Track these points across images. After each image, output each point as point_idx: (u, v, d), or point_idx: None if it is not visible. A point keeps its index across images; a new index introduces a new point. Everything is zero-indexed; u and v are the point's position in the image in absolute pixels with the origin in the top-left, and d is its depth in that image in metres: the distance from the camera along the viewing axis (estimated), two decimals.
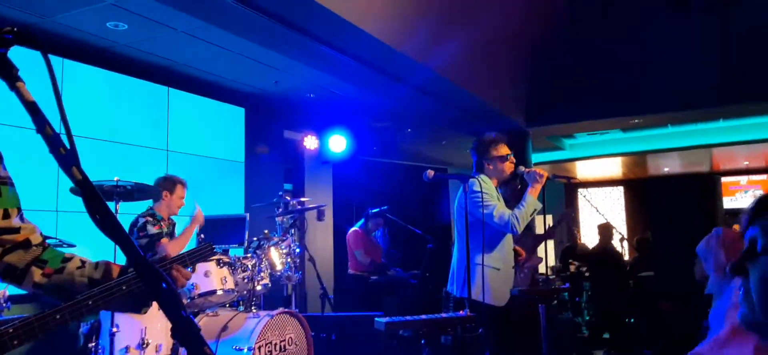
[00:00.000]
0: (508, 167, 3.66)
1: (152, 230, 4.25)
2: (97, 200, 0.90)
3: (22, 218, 1.39)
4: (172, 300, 0.88)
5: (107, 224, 0.89)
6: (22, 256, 1.38)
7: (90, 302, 1.26)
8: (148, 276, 0.89)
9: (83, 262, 1.44)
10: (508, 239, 3.65)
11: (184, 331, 0.85)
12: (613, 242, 7.57)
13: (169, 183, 4.43)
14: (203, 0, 3.90)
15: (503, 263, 3.60)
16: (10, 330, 1.10)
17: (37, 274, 1.38)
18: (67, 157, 0.93)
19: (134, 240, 4.25)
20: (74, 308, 1.24)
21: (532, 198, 3.49)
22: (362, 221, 6.80)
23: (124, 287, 1.30)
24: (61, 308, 1.21)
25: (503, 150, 3.66)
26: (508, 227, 3.42)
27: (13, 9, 4.45)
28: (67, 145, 0.94)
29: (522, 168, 3.66)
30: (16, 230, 1.37)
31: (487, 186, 3.53)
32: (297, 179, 8.09)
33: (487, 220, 3.42)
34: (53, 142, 0.94)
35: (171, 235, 4.51)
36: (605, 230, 7.53)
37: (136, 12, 4.53)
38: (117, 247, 0.91)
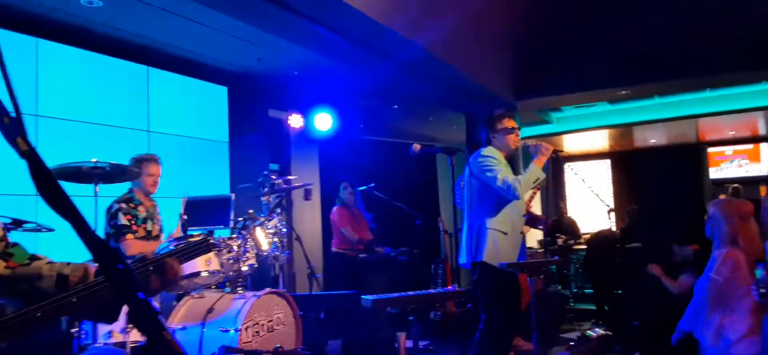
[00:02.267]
0: (513, 140, 3.92)
1: (121, 220, 4.17)
2: (46, 173, 0.83)
3: None
4: (128, 282, 0.81)
5: (57, 201, 0.82)
6: None
7: (74, 299, 1.17)
8: (100, 255, 0.82)
9: (51, 261, 1.35)
10: (516, 204, 3.80)
11: (141, 314, 0.78)
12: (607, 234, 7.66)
13: (137, 162, 4.34)
14: None
15: (511, 227, 3.78)
16: None
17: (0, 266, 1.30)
18: (10, 127, 0.85)
19: (105, 227, 4.19)
20: (58, 304, 1.15)
21: (535, 167, 3.71)
22: (340, 196, 6.73)
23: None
24: (42, 305, 1.13)
25: (509, 123, 3.93)
26: (510, 190, 3.61)
27: None
28: (12, 114, 0.86)
29: (528, 141, 3.91)
30: None
31: (493, 153, 3.78)
32: (283, 158, 7.99)
33: (491, 183, 3.65)
34: None
35: (152, 218, 4.43)
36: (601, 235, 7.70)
37: None
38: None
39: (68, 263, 1.35)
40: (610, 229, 7.72)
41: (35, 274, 1.31)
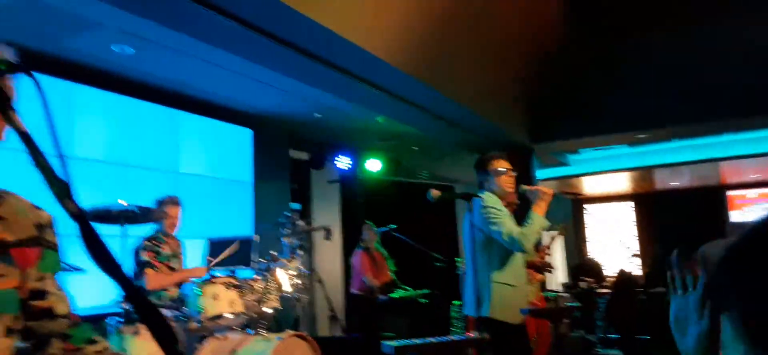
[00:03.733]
0: (506, 181, 3.65)
1: (143, 257, 4.30)
2: (93, 233, 0.87)
3: (56, 285, 1.35)
4: (167, 337, 0.87)
5: (102, 257, 0.87)
6: (45, 325, 1.33)
7: None
8: (142, 310, 0.87)
9: (106, 347, 1.41)
10: (520, 255, 3.61)
11: None
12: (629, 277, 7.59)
13: (159, 204, 4.48)
14: (209, 24, 3.92)
15: (516, 280, 3.57)
16: None
17: (57, 347, 1.34)
18: (61, 190, 0.90)
19: (132, 265, 4.29)
20: None
21: (537, 215, 3.46)
22: (362, 237, 6.74)
23: None
24: None
25: (500, 165, 3.66)
26: (516, 245, 3.39)
27: (20, 35, 4.49)
28: (63, 177, 0.91)
29: (524, 187, 3.65)
30: (43, 295, 1.33)
31: (493, 201, 3.51)
32: (305, 199, 8.08)
33: (497, 237, 3.41)
34: (47, 173, 0.92)
35: (176, 256, 4.51)
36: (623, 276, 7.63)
37: (142, 36, 4.57)
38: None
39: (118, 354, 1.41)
40: (630, 273, 7.64)
41: None
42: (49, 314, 1.34)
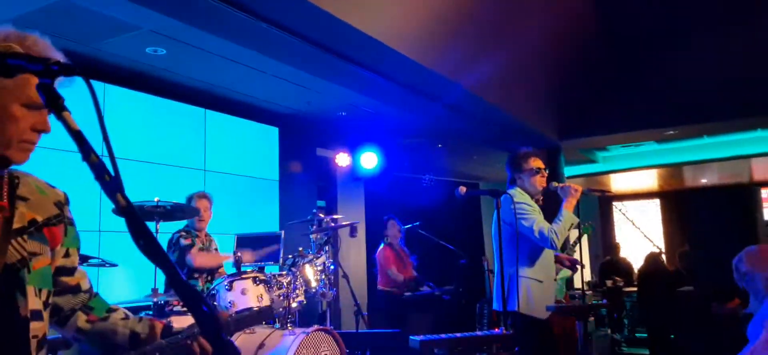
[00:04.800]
0: (540, 181, 3.69)
1: (183, 242, 4.52)
2: (140, 225, 0.91)
3: (78, 260, 1.43)
4: (212, 324, 0.90)
5: (150, 248, 0.91)
6: (70, 300, 1.41)
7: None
8: (188, 298, 0.91)
9: (127, 315, 1.48)
10: (549, 251, 3.63)
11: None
12: (660, 260, 7.47)
13: (189, 200, 4.72)
14: (239, 25, 4.01)
15: (545, 275, 3.60)
16: None
17: (81, 319, 1.42)
18: (111, 184, 0.93)
19: (171, 256, 4.44)
20: None
21: (568, 213, 3.50)
22: (386, 232, 6.79)
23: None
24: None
25: (535, 164, 3.70)
26: (547, 242, 3.43)
27: (58, 37, 4.63)
28: (112, 172, 0.94)
29: (555, 184, 3.67)
30: (71, 272, 1.41)
31: (523, 198, 3.56)
32: (330, 196, 8.17)
33: (527, 232, 3.45)
34: (98, 169, 0.95)
35: (207, 250, 4.66)
36: (653, 258, 7.48)
37: (174, 37, 4.68)
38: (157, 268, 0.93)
39: (140, 319, 1.47)
40: (662, 261, 7.50)
41: (111, 330, 1.44)
42: (77, 289, 1.42)
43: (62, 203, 1.38)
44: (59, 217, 1.36)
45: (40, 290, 1.27)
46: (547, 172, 3.77)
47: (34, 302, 1.25)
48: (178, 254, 4.49)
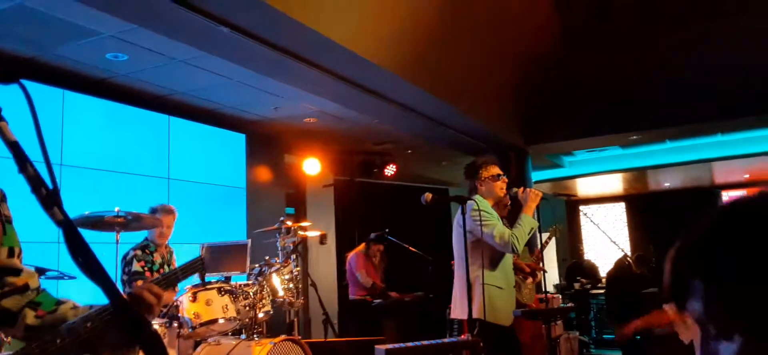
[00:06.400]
0: (499, 187, 3.74)
1: (135, 266, 4.31)
2: (79, 240, 0.88)
3: (21, 260, 1.36)
4: (154, 346, 0.87)
5: (89, 265, 0.87)
6: (18, 300, 1.35)
7: (88, 324, 1.25)
8: (129, 323, 0.88)
9: (76, 305, 1.42)
10: (508, 257, 3.71)
11: None
12: (628, 264, 7.58)
13: (155, 213, 4.48)
14: (201, 31, 3.94)
15: (505, 282, 3.66)
16: None
17: (30, 316, 1.35)
18: (48, 198, 0.91)
19: (121, 274, 4.29)
20: (75, 336, 1.23)
21: (527, 217, 3.58)
22: (364, 246, 6.79)
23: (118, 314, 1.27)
24: (58, 332, 1.21)
25: (493, 170, 3.75)
26: (508, 247, 3.48)
27: (14, 43, 4.50)
28: (50, 185, 0.92)
29: (514, 190, 3.75)
30: (18, 272, 1.35)
31: (483, 205, 3.59)
32: (299, 203, 8.09)
33: (487, 239, 3.48)
34: (35, 181, 0.92)
35: (167, 264, 4.52)
36: (620, 263, 7.60)
37: (136, 43, 4.58)
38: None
39: (91, 307, 1.40)
40: (630, 264, 7.62)
41: (61, 320, 1.36)
42: (25, 289, 1.35)
43: None
44: None
45: None
46: (507, 178, 3.82)
47: None
48: (126, 278, 4.29)
